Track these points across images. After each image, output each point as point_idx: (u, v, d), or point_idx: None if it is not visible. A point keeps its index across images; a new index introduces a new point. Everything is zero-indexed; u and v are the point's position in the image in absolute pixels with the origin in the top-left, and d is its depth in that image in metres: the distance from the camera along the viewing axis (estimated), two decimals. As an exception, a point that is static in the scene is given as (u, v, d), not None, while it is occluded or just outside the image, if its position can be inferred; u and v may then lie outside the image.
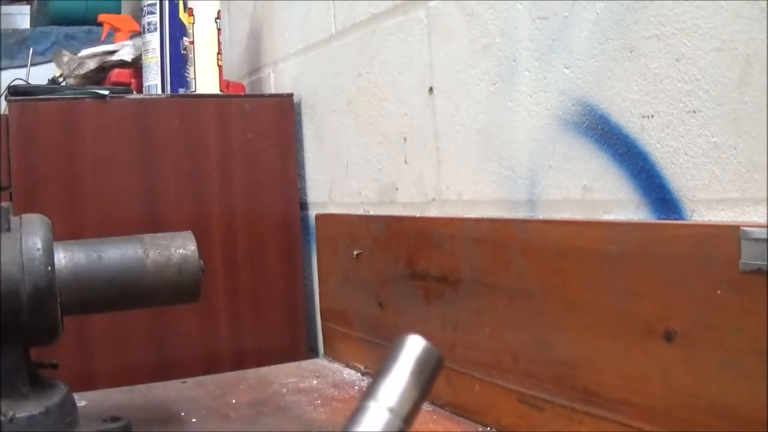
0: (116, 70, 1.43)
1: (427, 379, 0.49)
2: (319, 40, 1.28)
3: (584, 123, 0.76)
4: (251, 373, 1.17)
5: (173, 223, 1.23)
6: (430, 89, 0.99)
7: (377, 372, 0.49)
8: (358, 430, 0.46)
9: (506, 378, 0.82)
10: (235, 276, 1.30)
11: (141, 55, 1.39)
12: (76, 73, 1.45)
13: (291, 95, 1.37)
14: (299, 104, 1.38)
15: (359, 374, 1.12)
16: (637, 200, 0.70)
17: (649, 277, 0.65)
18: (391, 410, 0.46)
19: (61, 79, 1.56)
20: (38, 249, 0.72)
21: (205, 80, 1.37)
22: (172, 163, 1.26)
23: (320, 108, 1.31)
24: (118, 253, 0.79)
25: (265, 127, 1.34)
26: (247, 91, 1.56)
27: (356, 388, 1.06)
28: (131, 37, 1.67)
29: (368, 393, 0.47)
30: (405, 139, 1.05)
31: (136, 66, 1.41)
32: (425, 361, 0.49)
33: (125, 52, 1.43)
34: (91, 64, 1.44)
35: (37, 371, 0.77)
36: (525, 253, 0.79)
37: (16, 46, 2.21)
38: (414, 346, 0.49)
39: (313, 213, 1.32)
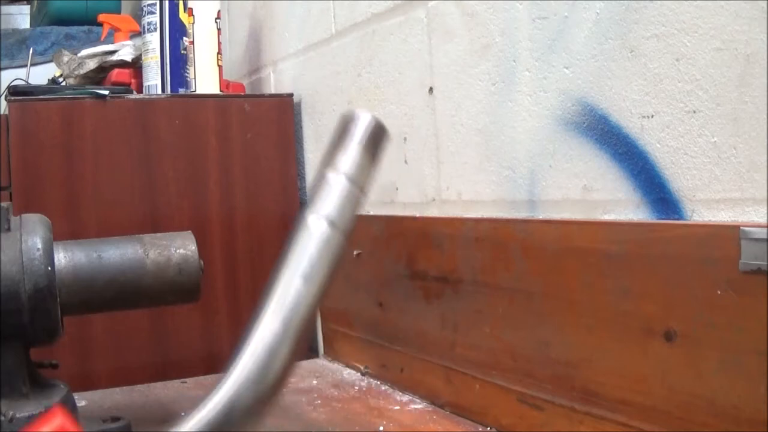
0: (116, 70, 1.43)
1: (378, 151, 0.52)
2: (319, 40, 1.28)
3: (584, 123, 0.76)
4: (251, 373, 1.16)
5: (173, 223, 1.23)
6: (430, 89, 0.99)
7: (331, 144, 0.51)
8: (320, 195, 0.49)
9: (506, 378, 0.82)
10: (235, 276, 1.30)
11: (141, 55, 1.39)
12: (76, 73, 1.45)
13: (291, 95, 1.37)
14: (299, 104, 1.38)
15: (359, 374, 1.12)
16: (637, 200, 0.70)
17: (649, 277, 0.65)
18: (348, 178, 0.50)
19: (61, 79, 1.56)
20: (38, 249, 0.72)
21: (205, 80, 1.37)
22: (172, 163, 1.26)
23: (320, 108, 1.31)
24: (118, 253, 0.79)
25: (265, 127, 1.34)
26: (247, 91, 1.56)
27: (356, 388, 1.06)
28: (131, 37, 1.66)
29: (326, 163, 0.50)
30: (405, 139, 1.05)
31: (136, 66, 1.41)
32: (374, 134, 0.52)
33: (125, 52, 1.43)
34: (91, 64, 1.44)
35: (37, 371, 0.77)
36: (525, 253, 0.79)
37: (16, 46, 2.21)
38: (363, 121, 0.52)
39: (313, 213, 1.32)
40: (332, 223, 0.49)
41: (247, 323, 0.47)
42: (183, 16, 1.36)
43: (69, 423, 0.39)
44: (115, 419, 0.79)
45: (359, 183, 0.50)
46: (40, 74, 1.81)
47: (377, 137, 0.52)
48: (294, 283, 0.47)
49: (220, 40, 1.41)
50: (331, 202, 0.49)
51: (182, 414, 0.44)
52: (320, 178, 0.50)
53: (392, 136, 0.52)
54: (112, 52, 1.44)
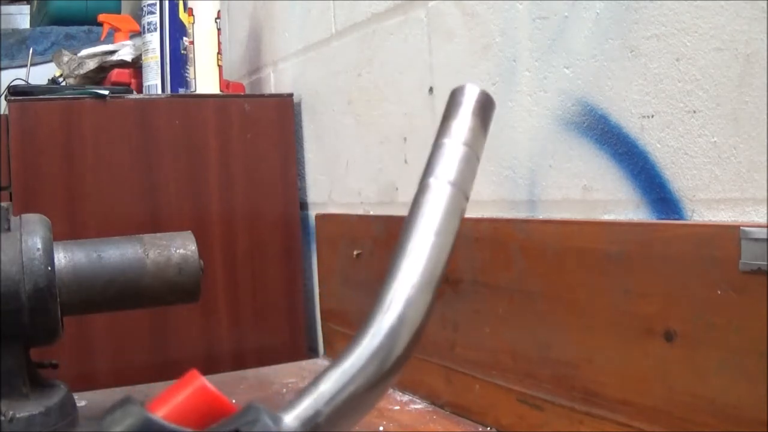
0: (116, 70, 1.43)
1: (488, 119, 0.55)
2: (319, 40, 1.28)
3: (584, 123, 0.76)
4: (251, 373, 1.17)
5: (173, 223, 1.23)
6: (430, 89, 0.99)
7: (444, 117, 0.53)
8: (438, 161, 0.51)
9: (506, 378, 0.82)
10: (235, 276, 1.30)
11: (141, 55, 1.39)
12: (76, 73, 1.45)
13: (291, 95, 1.37)
14: (299, 104, 1.38)
15: (359, 374, 1.12)
16: (637, 200, 0.70)
17: (649, 277, 0.65)
18: (464, 143, 0.52)
19: (61, 79, 1.56)
20: (38, 249, 0.72)
21: (205, 80, 1.37)
22: (172, 163, 1.26)
23: (320, 108, 1.31)
24: (118, 253, 0.79)
25: (265, 127, 1.34)
26: (247, 91, 1.56)
27: (356, 388, 1.05)
28: (131, 37, 1.66)
29: (441, 133, 0.52)
30: (405, 139, 1.05)
31: (136, 66, 1.41)
32: (483, 104, 0.54)
33: (125, 52, 1.43)
34: (91, 64, 1.44)
35: (37, 371, 0.77)
36: (525, 253, 0.79)
37: (16, 46, 2.21)
38: (472, 92, 0.54)
39: (313, 213, 1.32)
40: (455, 185, 0.51)
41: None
42: (183, 16, 1.36)
43: (208, 385, 0.40)
44: (115, 419, 0.79)
45: (474, 147, 0.53)
46: (40, 74, 1.81)
47: (486, 107, 0.54)
48: (429, 239, 0.48)
49: (220, 40, 1.41)
50: (452, 166, 0.51)
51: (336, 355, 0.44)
52: (436, 146, 0.52)
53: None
54: (112, 52, 1.44)
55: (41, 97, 1.23)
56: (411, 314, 0.44)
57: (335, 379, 0.41)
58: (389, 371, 0.43)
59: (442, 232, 0.48)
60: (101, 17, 1.86)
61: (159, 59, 1.34)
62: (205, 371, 1.34)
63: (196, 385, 0.40)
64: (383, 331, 0.43)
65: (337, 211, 1.26)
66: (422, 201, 0.50)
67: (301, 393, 0.41)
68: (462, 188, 0.51)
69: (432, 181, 0.51)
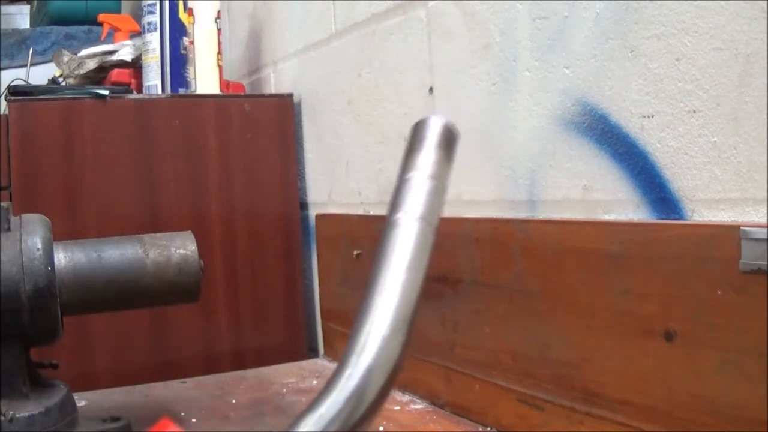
0: (116, 70, 1.43)
1: (452, 151, 0.54)
2: (319, 40, 1.28)
3: (584, 123, 0.76)
4: (251, 373, 1.16)
5: (173, 223, 1.23)
6: (430, 89, 0.99)
7: (408, 150, 0.53)
8: (405, 196, 0.51)
9: (506, 378, 0.82)
10: (235, 276, 1.30)
11: (141, 55, 1.39)
12: (76, 73, 1.45)
13: (291, 95, 1.37)
14: (299, 104, 1.38)
15: (359, 374, 1.12)
16: (637, 200, 0.70)
17: (649, 277, 0.65)
18: (430, 176, 0.52)
19: (61, 79, 1.56)
20: (38, 249, 0.72)
21: (205, 80, 1.37)
22: (172, 163, 1.26)
23: (320, 108, 1.31)
24: (118, 253, 0.79)
25: (265, 127, 1.34)
26: (247, 91, 1.56)
27: (356, 388, 1.05)
28: (131, 37, 1.66)
29: (406, 167, 0.52)
30: (405, 139, 1.05)
31: (136, 66, 1.41)
32: (447, 136, 0.54)
33: (125, 52, 1.43)
34: (91, 64, 1.44)
35: (37, 371, 0.77)
36: (525, 253, 0.79)
37: (16, 46, 2.21)
38: (435, 125, 0.54)
39: (313, 213, 1.32)
40: (423, 219, 0.50)
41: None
42: (183, 16, 1.36)
43: None
44: (114, 419, 0.79)
45: (440, 180, 0.52)
46: (40, 74, 1.82)
47: (450, 138, 0.54)
48: (400, 276, 0.47)
49: (220, 40, 1.41)
50: (419, 200, 0.50)
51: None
52: (402, 180, 0.51)
53: (460, 134, 0.53)
54: (112, 52, 1.44)
55: (41, 97, 1.23)
56: (386, 355, 0.44)
57: (312, 423, 0.40)
58: (366, 414, 0.42)
59: (413, 269, 0.47)
60: (101, 17, 1.86)
61: (159, 59, 1.34)
62: (205, 371, 1.34)
63: None
64: (359, 373, 0.42)
65: (337, 211, 1.26)
66: (392, 237, 0.49)
67: None
68: (430, 222, 0.50)
69: (401, 216, 0.50)
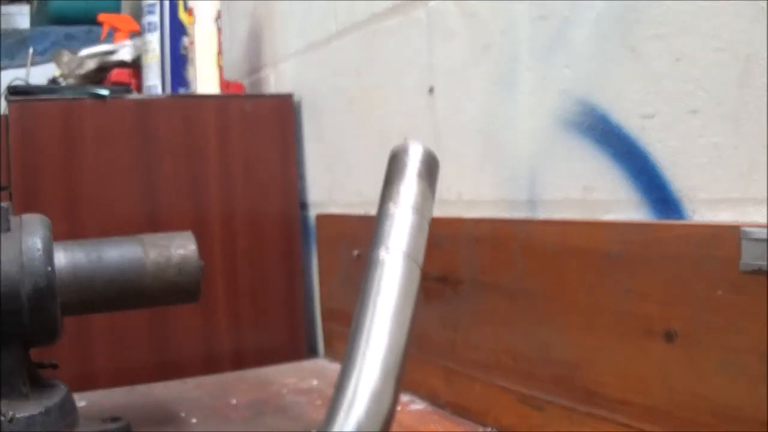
0: (116, 70, 1.43)
1: (434, 180, 0.51)
2: (320, 40, 1.28)
3: (584, 123, 0.76)
4: (251, 373, 1.17)
5: (173, 223, 1.23)
6: (430, 89, 0.99)
7: (387, 178, 0.50)
8: (387, 230, 0.48)
9: (506, 378, 0.82)
10: (235, 276, 1.30)
11: (141, 55, 1.39)
12: (76, 73, 1.45)
13: (291, 95, 1.37)
14: (299, 104, 1.38)
15: (359, 374, 1.12)
16: (638, 200, 0.70)
17: (649, 277, 0.65)
18: (413, 210, 0.49)
19: (61, 79, 1.55)
20: (38, 249, 0.72)
21: (205, 80, 1.37)
22: (172, 163, 1.26)
23: (320, 108, 1.31)
24: (118, 253, 0.79)
25: (265, 127, 1.34)
26: (247, 91, 1.56)
27: (356, 388, 1.05)
28: (131, 37, 1.66)
29: (387, 197, 0.49)
30: (405, 139, 1.05)
31: (136, 66, 1.41)
32: (428, 164, 0.51)
33: (125, 52, 1.43)
34: (91, 64, 1.44)
35: (37, 371, 0.77)
36: (525, 253, 0.79)
37: (16, 46, 2.21)
38: (415, 152, 0.50)
39: (313, 213, 1.32)
40: (408, 256, 0.47)
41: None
42: (183, 16, 1.36)
43: None
44: (114, 419, 0.79)
45: (424, 213, 0.49)
46: (40, 74, 1.81)
47: (432, 167, 0.51)
48: (387, 321, 0.44)
49: (221, 40, 1.41)
50: (403, 235, 0.48)
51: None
52: (384, 212, 0.48)
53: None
54: (112, 52, 1.44)
55: (41, 97, 1.23)
56: (377, 409, 0.41)
57: None
58: None
59: (400, 312, 0.44)
60: (101, 17, 1.86)
61: (159, 59, 1.34)
62: (205, 371, 1.34)
63: None
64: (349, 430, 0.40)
65: (337, 211, 1.26)
66: (376, 277, 0.46)
67: None
68: (415, 258, 0.47)
69: (383, 254, 0.47)
